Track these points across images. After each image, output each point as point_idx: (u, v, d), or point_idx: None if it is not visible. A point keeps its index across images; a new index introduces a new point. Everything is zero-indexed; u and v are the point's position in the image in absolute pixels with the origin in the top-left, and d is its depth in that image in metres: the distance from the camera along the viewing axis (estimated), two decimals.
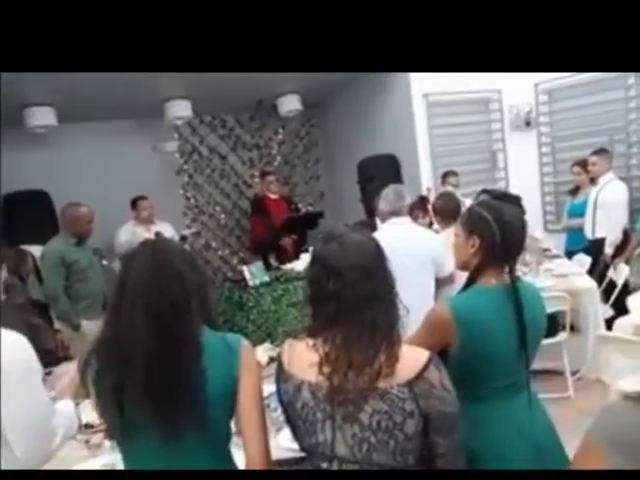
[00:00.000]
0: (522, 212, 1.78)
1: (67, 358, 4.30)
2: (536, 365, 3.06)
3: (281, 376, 1.36)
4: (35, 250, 4.31)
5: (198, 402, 1.28)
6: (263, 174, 6.54)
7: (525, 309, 1.60)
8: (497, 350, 1.58)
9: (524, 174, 5.84)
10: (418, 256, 2.77)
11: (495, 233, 1.62)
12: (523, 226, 1.69)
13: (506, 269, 1.65)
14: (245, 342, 1.39)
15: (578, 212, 5.00)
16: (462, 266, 1.76)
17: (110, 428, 1.37)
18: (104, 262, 4.50)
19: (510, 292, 1.61)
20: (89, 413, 2.21)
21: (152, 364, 1.27)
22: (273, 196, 6.16)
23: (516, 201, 1.82)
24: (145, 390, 1.27)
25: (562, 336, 3.59)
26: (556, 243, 5.19)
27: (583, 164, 4.93)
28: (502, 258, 1.63)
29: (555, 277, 4.00)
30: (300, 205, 7.43)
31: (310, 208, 7.38)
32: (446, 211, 3.49)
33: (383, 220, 3.04)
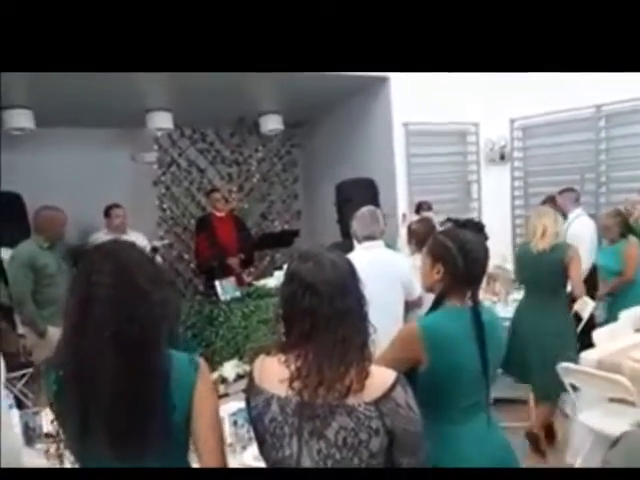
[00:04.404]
0: (484, 239, 1.84)
1: (29, 364, 4.21)
2: (500, 394, 3.11)
3: (252, 391, 1.37)
4: (4, 253, 4.22)
5: (165, 435, 1.26)
6: (209, 192, 6.34)
7: (486, 331, 1.68)
8: (461, 369, 1.65)
9: (496, 206, 5.98)
10: (388, 278, 2.84)
11: (458, 261, 1.70)
12: (485, 253, 1.76)
13: (468, 293, 1.73)
14: (203, 362, 1.38)
15: None
16: (428, 289, 1.86)
17: (68, 443, 1.36)
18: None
19: (473, 314, 1.69)
20: (50, 422, 2.17)
21: (119, 402, 1.24)
22: (219, 214, 5.98)
23: (477, 228, 1.88)
24: (110, 428, 1.24)
25: None
26: None
27: (552, 201, 5.08)
28: (466, 283, 1.72)
29: None
30: (276, 223, 7.46)
31: (286, 226, 7.40)
32: (422, 235, 3.54)
33: (357, 241, 3.08)
